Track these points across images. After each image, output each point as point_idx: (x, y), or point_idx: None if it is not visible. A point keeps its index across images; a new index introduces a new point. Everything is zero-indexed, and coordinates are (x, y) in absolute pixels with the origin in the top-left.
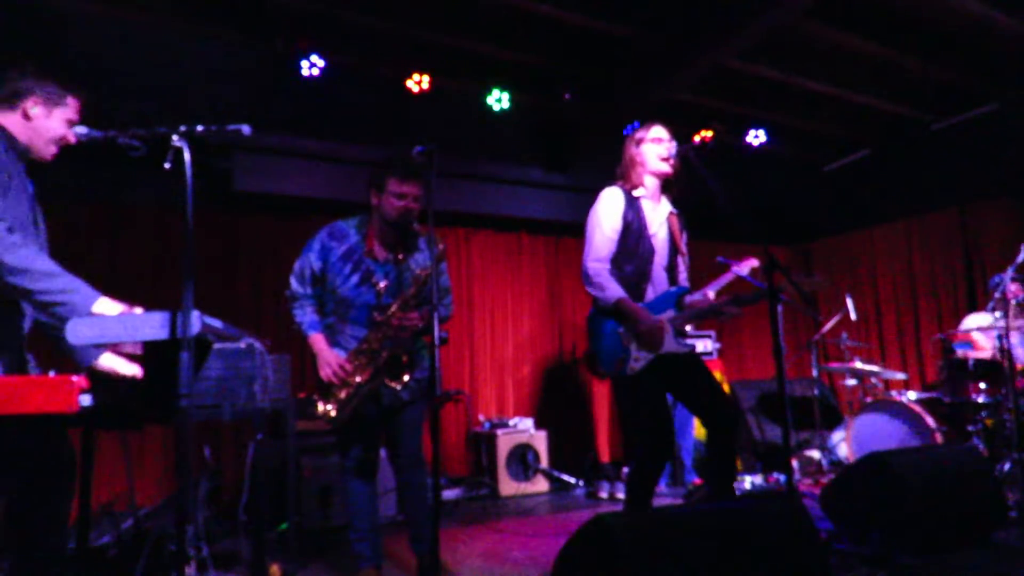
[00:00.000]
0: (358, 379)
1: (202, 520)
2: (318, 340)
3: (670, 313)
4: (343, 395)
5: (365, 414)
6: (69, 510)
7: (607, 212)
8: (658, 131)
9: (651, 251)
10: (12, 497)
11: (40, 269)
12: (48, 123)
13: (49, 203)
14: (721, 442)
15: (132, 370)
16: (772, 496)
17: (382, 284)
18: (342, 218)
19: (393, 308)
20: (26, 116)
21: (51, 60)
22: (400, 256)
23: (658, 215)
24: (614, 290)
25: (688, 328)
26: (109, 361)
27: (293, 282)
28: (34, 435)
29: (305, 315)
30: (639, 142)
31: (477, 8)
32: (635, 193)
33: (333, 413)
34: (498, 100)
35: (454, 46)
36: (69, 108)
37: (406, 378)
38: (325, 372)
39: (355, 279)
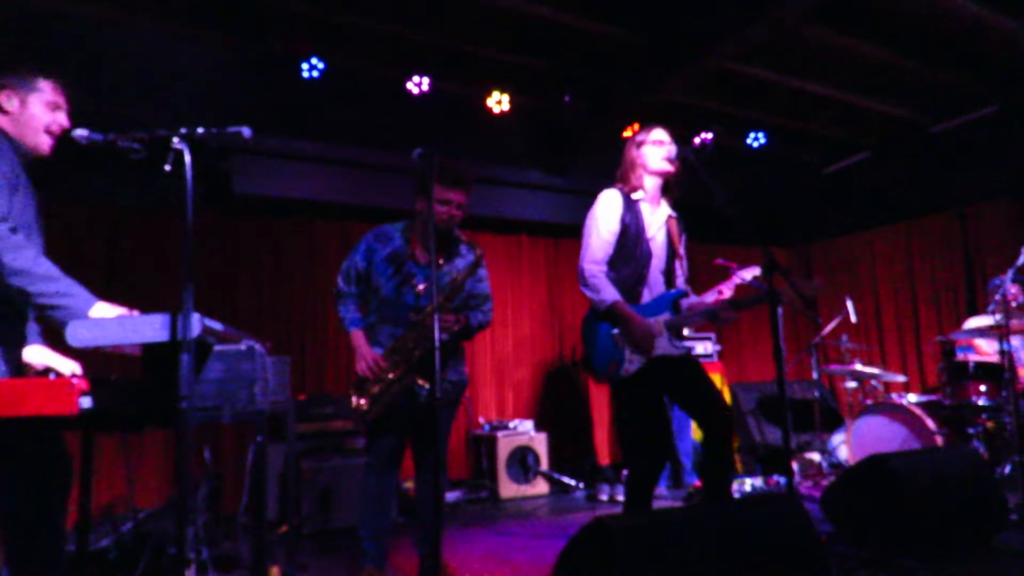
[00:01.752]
0: (391, 376)
1: (202, 523)
2: (358, 336)
3: (666, 316)
4: (375, 390)
5: (398, 410)
6: (66, 513)
7: (605, 215)
8: (659, 134)
9: (648, 254)
10: (7, 498)
11: (39, 272)
12: (29, 113)
13: (49, 205)
14: (717, 445)
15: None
16: (772, 498)
17: (421, 287)
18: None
19: (428, 309)
20: (4, 112)
21: (51, 62)
22: (440, 260)
23: (657, 218)
24: (609, 293)
25: (686, 331)
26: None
27: (339, 280)
28: (31, 437)
29: (348, 312)
30: (640, 144)
31: (477, 10)
32: (634, 196)
33: (365, 407)
34: (498, 102)
35: (454, 48)
36: (45, 92)
37: None
38: (360, 366)
39: (396, 281)
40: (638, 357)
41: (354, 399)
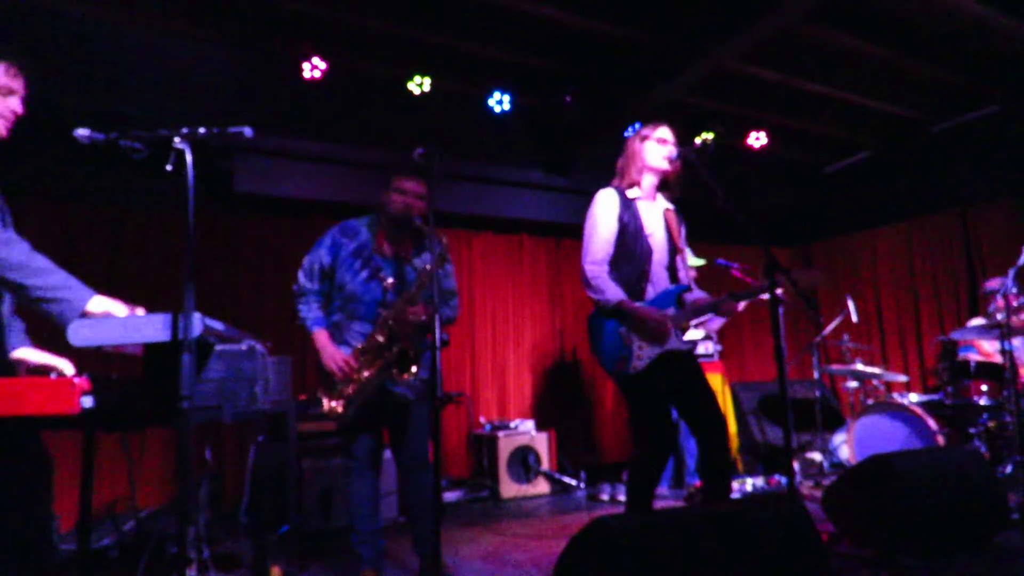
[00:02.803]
0: (365, 374)
1: (203, 522)
2: (321, 336)
3: (671, 311)
4: (350, 391)
5: (372, 410)
6: (51, 512)
7: (602, 214)
8: (664, 132)
9: (649, 251)
10: None
11: (36, 265)
12: None
13: (51, 204)
14: (712, 455)
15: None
16: (773, 498)
17: (389, 280)
18: (352, 217)
19: (397, 303)
20: None
21: (53, 61)
22: (403, 254)
23: (654, 214)
24: (613, 292)
25: (703, 331)
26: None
27: (301, 277)
28: (19, 436)
29: (310, 311)
30: (643, 139)
31: (478, 10)
32: (630, 194)
33: (340, 410)
34: (499, 102)
35: (455, 48)
36: None
37: (414, 369)
38: (331, 368)
39: (364, 275)
40: (647, 353)
41: (325, 402)
